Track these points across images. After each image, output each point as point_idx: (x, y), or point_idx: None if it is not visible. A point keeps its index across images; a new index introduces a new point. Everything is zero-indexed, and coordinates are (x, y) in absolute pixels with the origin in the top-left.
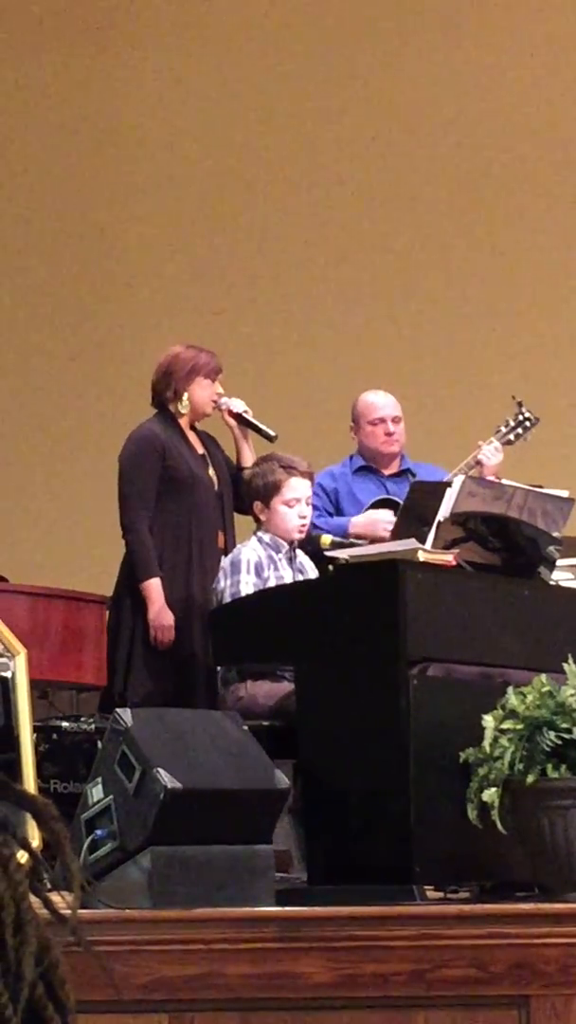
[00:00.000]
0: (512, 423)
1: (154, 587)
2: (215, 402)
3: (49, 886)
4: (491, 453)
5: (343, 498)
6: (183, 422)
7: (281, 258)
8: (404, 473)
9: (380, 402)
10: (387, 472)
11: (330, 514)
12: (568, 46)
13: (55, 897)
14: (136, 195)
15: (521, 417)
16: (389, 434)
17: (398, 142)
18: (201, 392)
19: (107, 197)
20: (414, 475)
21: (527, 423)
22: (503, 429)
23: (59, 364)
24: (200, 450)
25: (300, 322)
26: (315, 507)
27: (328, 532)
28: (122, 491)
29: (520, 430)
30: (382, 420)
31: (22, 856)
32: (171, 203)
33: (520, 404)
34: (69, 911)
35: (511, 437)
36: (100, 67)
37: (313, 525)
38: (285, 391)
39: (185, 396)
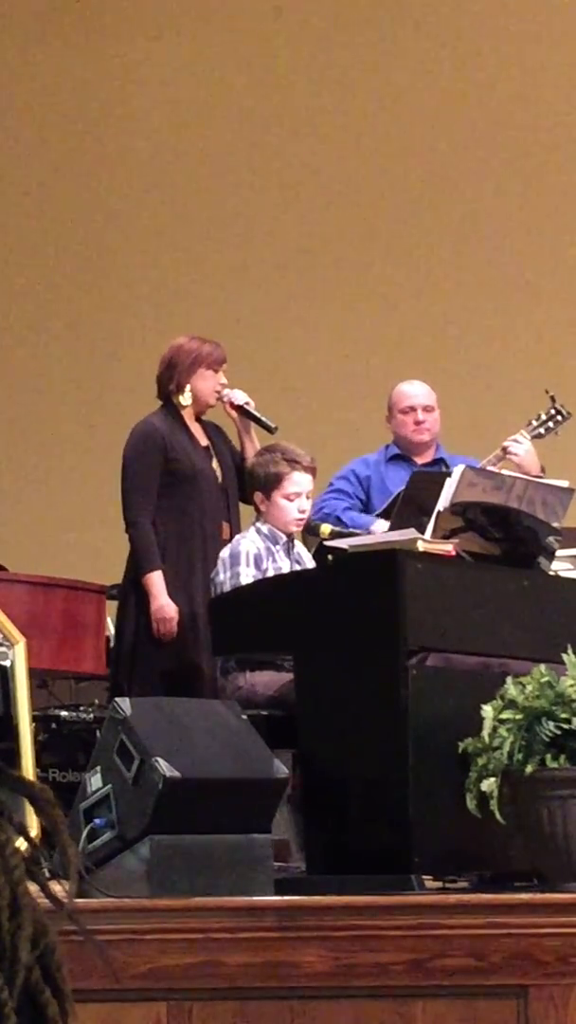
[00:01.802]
0: (544, 417)
1: (156, 580)
2: (218, 393)
3: (47, 874)
4: (518, 447)
5: (374, 486)
6: (187, 414)
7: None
8: (437, 463)
9: (412, 391)
10: (420, 461)
11: (360, 500)
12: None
13: (53, 885)
14: (138, 186)
15: (553, 411)
16: (418, 423)
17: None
18: (204, 384)
19: (109, 188)
20: (447, 466)
21: (559, 418)
22: (534, 423)
23: (61, 353)
24: (204, 442)
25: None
26: (346, 493)
27: (353, 528)
28: (124, 486)
29: (551, 424)
30: (412, 409)
31: (21, 843)
32: (174, 194)
33: (553, 399)
34: (66, 898)
35: (541, 431)
36: (99, 58)
37: (338, 519)
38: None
39: (188, 388)
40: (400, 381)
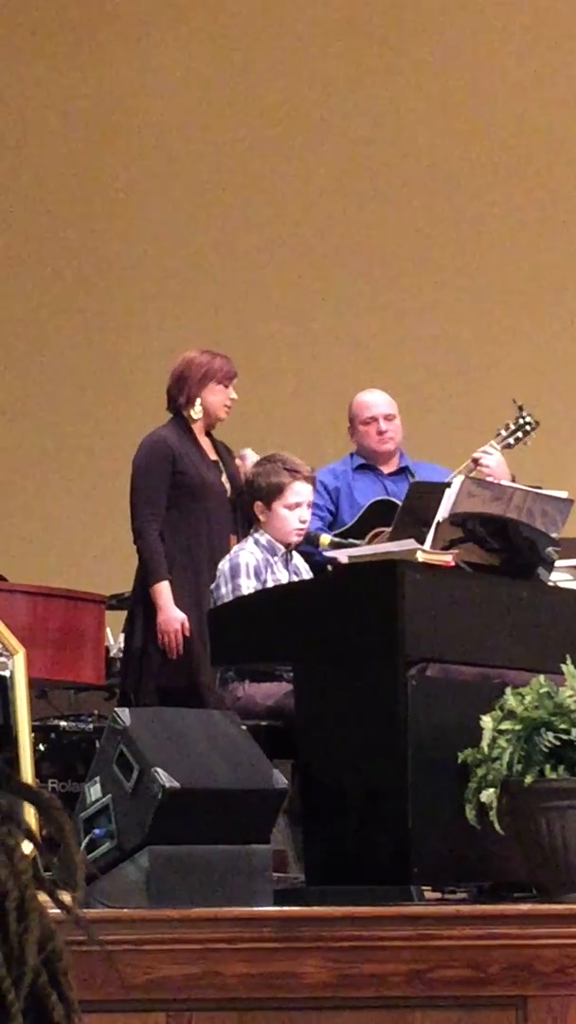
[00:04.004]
0: (513, 427)
1: (163, 591)
2: (227, 408)
3: (51, 883)
4: (488, 458)
5: (342, 497)
6: (197, 427)
7: (282, 257)
8: (403, 471)
9: (372, 401)
10: (386, 470)
11: (330, 512)
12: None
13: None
14: (139, 198)
15: (521, 421)
16: (381, 432)
17: (399, 140)
18: (214, 398)
19: (113, 200)
20: (413, 474)
21: (527, 427)
22: (503, 433)
23: (66, 362)
24: (213, 456)
25: (300, 322)
26: (317, 506)
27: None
28: (132, 497)
29: (520, 434)
30: (374, 419)
31: (27, 846)
32: (177, 207)
33: (521, 408)
34: (74, 905)
35: (511, 441)
36: (101, 60)
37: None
38: (285, 392)
39: (198, 401)
40: (360, 391)
